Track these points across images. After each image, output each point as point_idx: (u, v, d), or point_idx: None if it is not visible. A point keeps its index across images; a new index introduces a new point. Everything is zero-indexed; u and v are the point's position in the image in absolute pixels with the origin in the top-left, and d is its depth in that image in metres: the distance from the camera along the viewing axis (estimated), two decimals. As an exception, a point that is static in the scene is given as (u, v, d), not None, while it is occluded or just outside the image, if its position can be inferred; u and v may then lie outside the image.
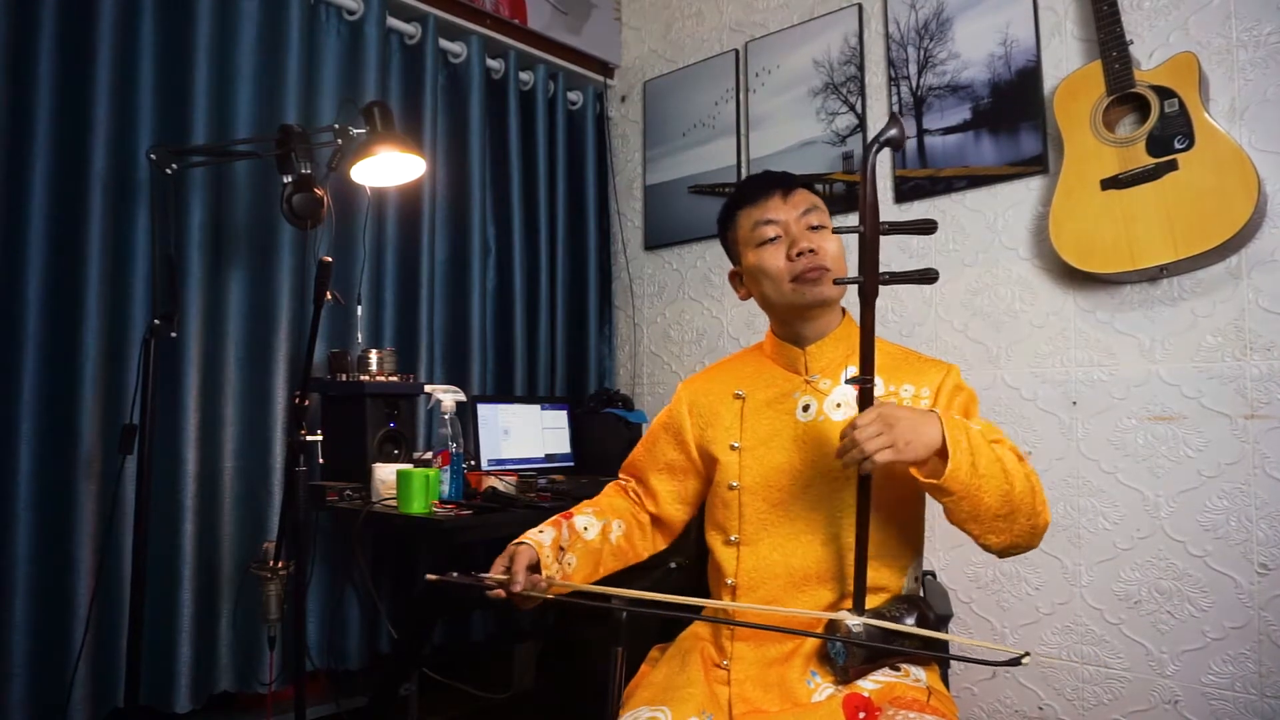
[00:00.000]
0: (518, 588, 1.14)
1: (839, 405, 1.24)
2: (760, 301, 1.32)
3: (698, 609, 1.29)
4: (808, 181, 1.32)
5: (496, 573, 1.17)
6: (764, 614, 1.20)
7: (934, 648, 1.17)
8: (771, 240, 1.26)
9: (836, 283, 1.17)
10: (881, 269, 1.08)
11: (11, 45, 1.75)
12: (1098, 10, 1.85)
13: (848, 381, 1.10)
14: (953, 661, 1.46)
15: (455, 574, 1.17)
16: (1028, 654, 0.88)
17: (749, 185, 1.32)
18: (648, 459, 1.41)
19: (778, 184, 1.28)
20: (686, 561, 1.47)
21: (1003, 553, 1.13)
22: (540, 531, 1.23)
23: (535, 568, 1.17)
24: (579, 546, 1.27)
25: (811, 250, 1.22)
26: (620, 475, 1.47)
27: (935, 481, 1.05)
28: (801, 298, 1.25)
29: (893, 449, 1.03)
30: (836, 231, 1.19)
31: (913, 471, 1.07)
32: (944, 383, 1.23)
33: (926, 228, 1.08)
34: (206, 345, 2.00)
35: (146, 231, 1.90)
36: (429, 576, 1.18)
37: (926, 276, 1.06)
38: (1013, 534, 1.10)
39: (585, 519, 1.31)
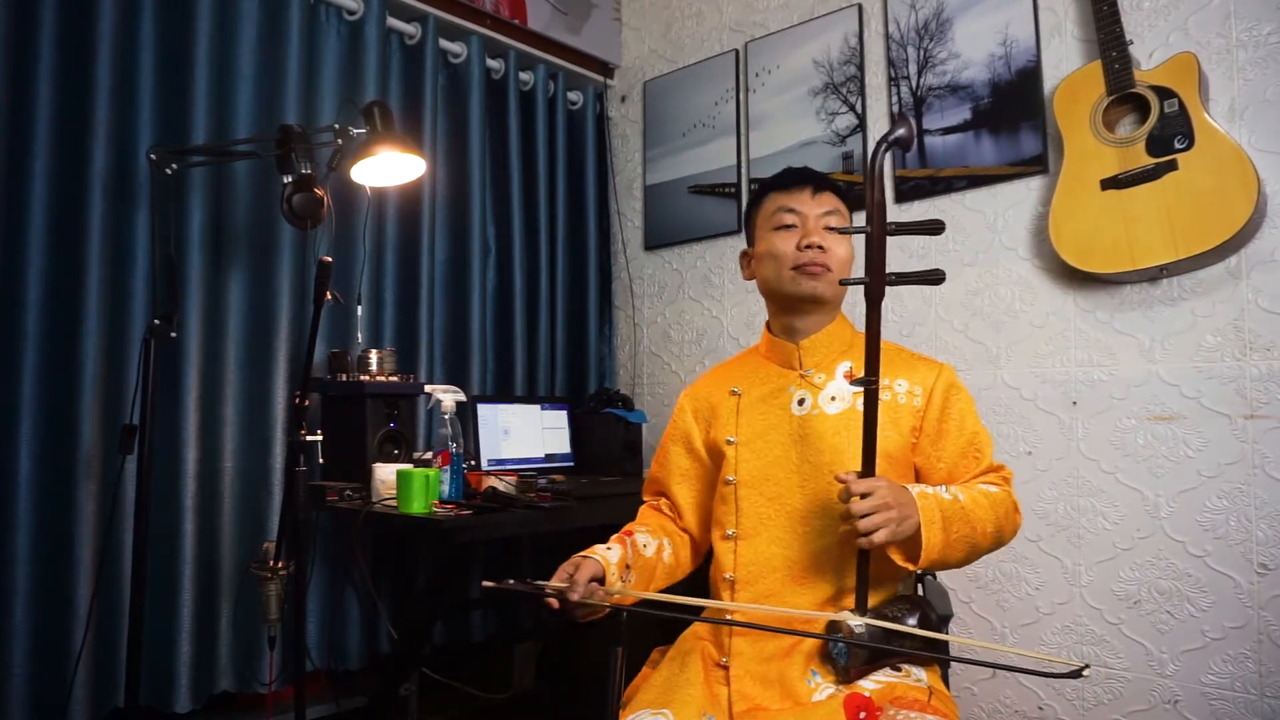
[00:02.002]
0: (576, 595, 1.15)
1: (833, 399, 1.26)
2: (761, 285, 1.35)
3: (704, 610, 1.29)
4: (840, 187, 1.35)
5: (558, 581, 1.18)
6: (766, 614, 1.20)
7: (938, 648, 1.17)
8: (787, 227, 1.30)
9: (843, 283, 1.18)
10: (886, 270, 1.07)
11: (11, 45, 1.74)
12: (1098, 10, 1.85)
13: (854, 383, 1.11)
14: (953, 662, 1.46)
15: (511, 581, 1.16)
16: (1087, 665, 0.88)
17: (786, 173, 1.36)
18: (664, 471, 1.44)
19: (811, 180, 1.32)
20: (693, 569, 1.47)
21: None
22: (609, 548, 1.26)
23: (599, 581, 1.19)
24: (639, 563, 1.30)
25: (820, 247, 1.26)
26: (646, 497, 1.49)
27: (912, 567, 1.13)
28: (797, 287, 1.28)
29: (888, 530, 1.07)
30: (843, 232, 1.21)
31: (890, 553, 1.13)
32: (936, 383, 1.25)
33: (934, 228, 1.08)
34: (206, 345, 2.00)
35: (146, 231, 1.89)
36: (485, 584, 1.17)
37: (932, 278, 1.06)
38: (975, 559, 1.21)
39: (644, 537, 1.34)
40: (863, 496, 1.07)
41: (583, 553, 1.23)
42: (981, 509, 1.17)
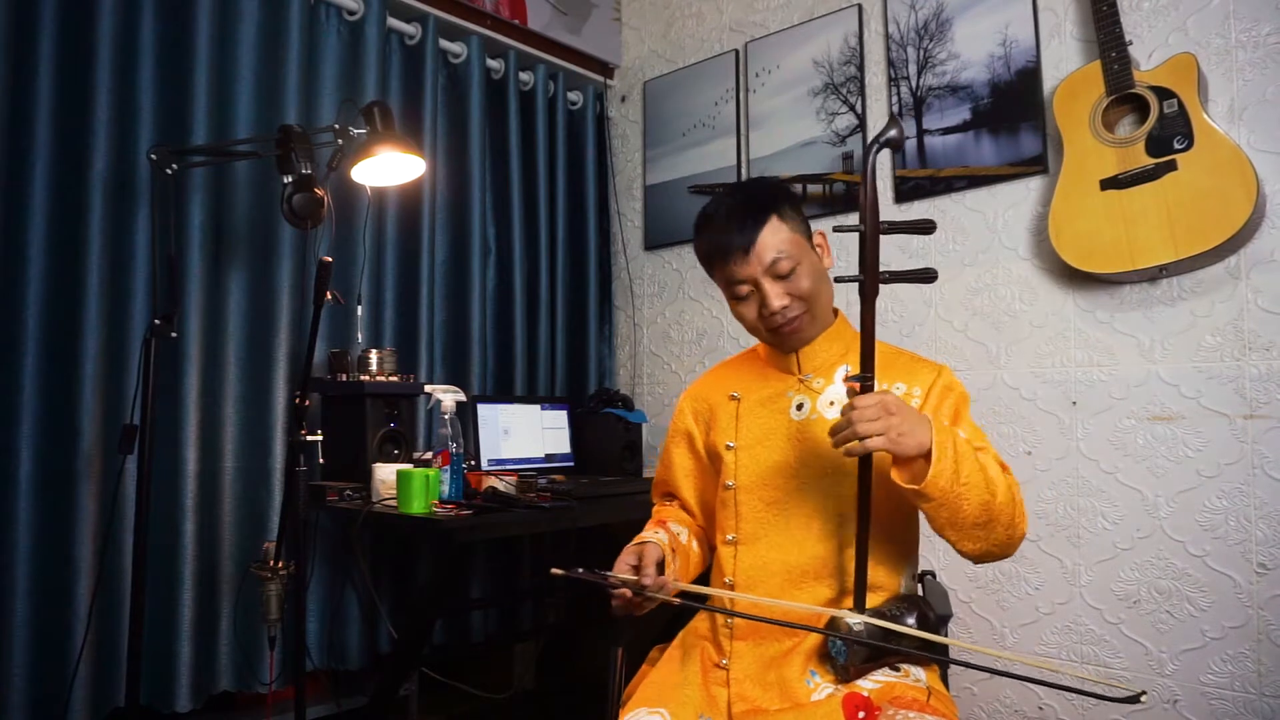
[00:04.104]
0: (649, 582, 1.14)
1: (832, 403, 1.25)
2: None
3: (707, 598, 1.28)
4: (774, 206, 1.22)
5: (622, 571, 1.17)
6: (767, 608, 1.20)
7: (938, 649, 1.17)
8: (744, 297, 1.25)
9: (838, 280, 1.17)
10: (881, 268, 1.08)
11: (12, 46, 1.75)
12: (1097, 11, 1.85)
13: (847, 379, 1.10)
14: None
15: (580, 570, 1.15)
16: (1145, 692, 0.88)
17: (714, 234, 1.25)
18: (669, 472, 1.44)
19: (738, 235, 1.21)
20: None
21: (977, 559, 1.15)
22: (656, 533, 1.27)
23: (660, 568, 1.19)
24: (680, 549, 1.30)
25: (784, 307, 1.22)
26: (655, 499, 1.50)
27: (916, 487, 1.05)
28: (781, 345, 1.28)
29: (886, 438, 1.03)
30: (838, 230, 1.18)
31: (893, 475, 1.08)
32: (935, 383, 1.23)
33: (925, 227, 1.10)
34: (206, 345, 2.00)
35: (146, 231, 1.90)
36: (554, 571, 1.15)
37: (925, 276, 1.08)
38: (989, 542, 1.12)
39: (676, 525, 1.36)
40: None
41: (637, 540, 1.24)
42: (996, 472, 1.11)
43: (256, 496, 2.05)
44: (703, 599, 1.26)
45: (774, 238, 1.21)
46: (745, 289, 1.24)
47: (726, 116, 2.68)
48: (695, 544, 1.37)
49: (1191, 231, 1.73)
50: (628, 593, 1.15)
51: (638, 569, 1.18)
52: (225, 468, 2.02)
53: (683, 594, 1.20)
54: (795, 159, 2.49)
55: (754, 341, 1.38)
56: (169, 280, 1.74)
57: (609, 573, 1.17)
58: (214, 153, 1.93)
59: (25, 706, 1.72)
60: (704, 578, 1.37)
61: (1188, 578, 1.82)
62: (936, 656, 1.17)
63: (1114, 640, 1.91)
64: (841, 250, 2.31)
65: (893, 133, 1.08)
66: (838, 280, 1.17)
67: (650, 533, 1.28)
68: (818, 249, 1.27)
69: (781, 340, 1.27)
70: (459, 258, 2.54)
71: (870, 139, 1.10)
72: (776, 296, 1.21)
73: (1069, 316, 2.01)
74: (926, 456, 1.05)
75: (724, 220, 1.24)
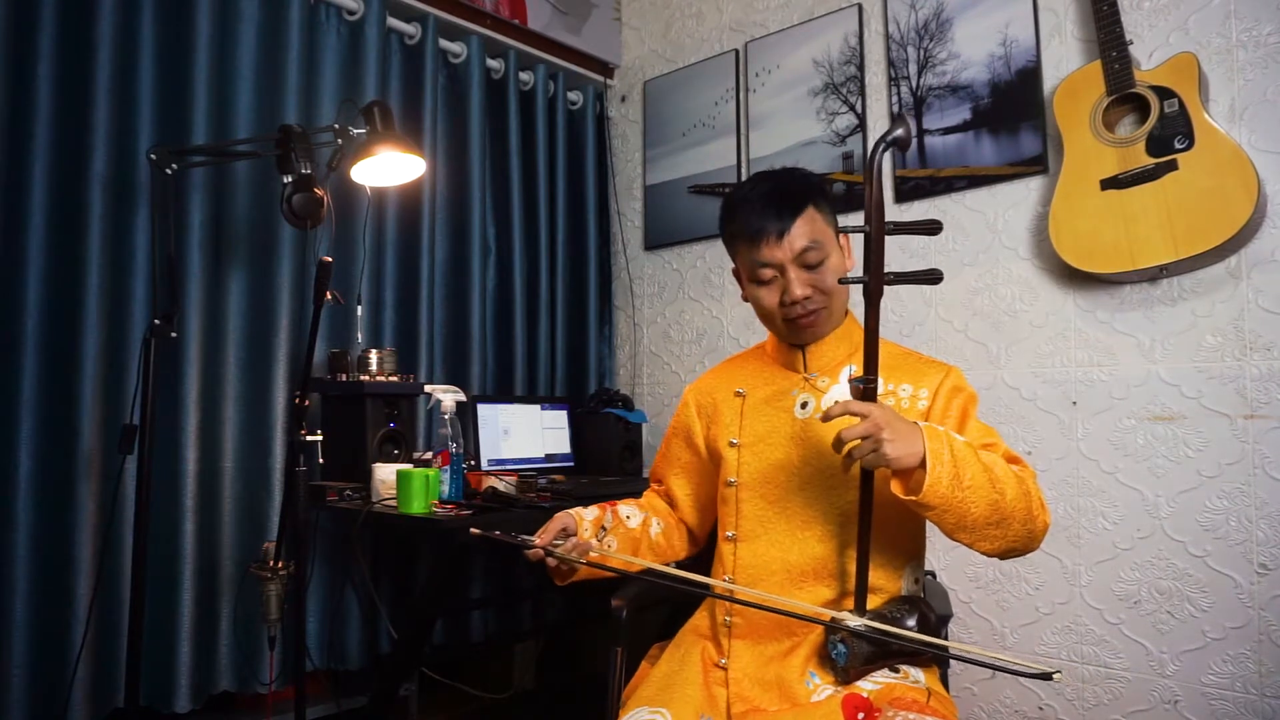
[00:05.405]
0: (541, 539, 1.24)
1: (836, 403, 1.24)
2: (758, 315, 1.33)
3: (709, 586, 1.28)
4: (812, 197, 1.23)
5: (535, 536, 1.25)
6: (767, 602, 1.20)
7: (937, 648, 1.16)
8: (767, 281, 1.25)
9: (842, 281, 1.17)
10: (885, 269, 1.07)
11: (12, 45, 1.74)
12: (1098, 10, 1.85)
13: (850, 381, 1.10)
14: (953, 661, 1.46)
15: (498, 532, 1.26)
16: (1059, 671, 0.89)
17: (747, 216, 1.24)
18: (665, 462, 1.47)
19: (774, 220, 1.21)
20: (687, 557, 1.48)
21: (1000, 557, 1.13)
22: (586, 509, 1.32)
23: (565, 537, 1.27)
24: (620, 531, 1.33)
25: (806, 297, 1.22)
26: (651, 482, 1.52)
27: (914, 497, 1.04)
28: (795, 337, 1.29)
29: (876, 454, 1.03)
30: (843, 231, 1.18)
31: (892, 486, 1.07)
32: (943, 384, 1.23)
33: (932, 228, 1.08)
34: (206, 345, 2.00)
35: (146, 231, 1.90)
36: (473, 531, 1.27)
37: (931, 277, 1.06)
38: (1007, 540, 1.10)
39: (629, 509, 1.39)
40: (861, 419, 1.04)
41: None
42: (1004, 470, 1.09)
43: (256, 496, 2.05)
44: (709, 587, 1.26)
45: (808, 227, 1.22)
46: (769, 273, 1.23)
47: (726, 116, 2.68)
48: (658, 530, 1.39)
49: (1192, 231, 1.73)
50: (540, 553, 1.24)
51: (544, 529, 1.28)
52: (225, 468, 2.02)
53: (649, 571, 1.24)
54: (795, 159, 2.48)
55: (756, 340, 1.38)
56: (169, 280, 1.73)
57: (524, 536, 1.26)
58: (214, 153, 1.93)
59: (25, 706, 1.72)
60: (704, 573, 1.37)
61: (1188, 578, 1.82)
62: (930, 650, 1.17)
63: (1114, 641, 1.91)
64: (842, 250, 2.30)
65: (899, 131, 1.05)
66: (842, 281, 1.17)
67: (580, 508, 1.33)
68: (841, 249, 1.27)
69: (795, 333, 1.27)
70: (459, 258, 2.53)
71: (877, 139, 1.08)
72: (800, 285, 1.22)
73: (1069, 316, 2.01)
74: (923, 466, 1.04)
75: (760, 202, 1.23)
